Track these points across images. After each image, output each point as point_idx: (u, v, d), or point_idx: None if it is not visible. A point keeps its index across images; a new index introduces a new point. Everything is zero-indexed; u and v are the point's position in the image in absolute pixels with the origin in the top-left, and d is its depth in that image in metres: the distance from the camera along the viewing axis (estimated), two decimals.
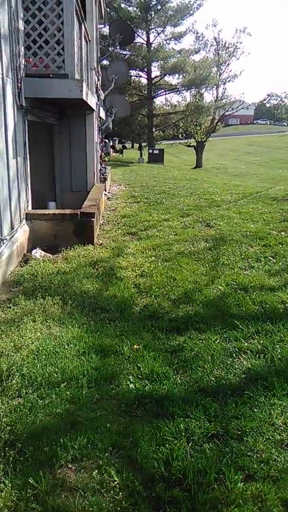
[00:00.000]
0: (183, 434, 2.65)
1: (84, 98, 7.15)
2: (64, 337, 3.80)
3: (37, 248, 6.29)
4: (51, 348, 3.60)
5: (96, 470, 2.38)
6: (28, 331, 3.87)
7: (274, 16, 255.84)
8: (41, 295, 4.64)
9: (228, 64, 36.06)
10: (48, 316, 4.21)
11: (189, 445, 2.58)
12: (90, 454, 2.50)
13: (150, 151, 33.69)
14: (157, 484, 2.30)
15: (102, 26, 22.35)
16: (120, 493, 2.25)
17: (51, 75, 7.04)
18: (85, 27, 8.36)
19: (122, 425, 2.73)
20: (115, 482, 2.30)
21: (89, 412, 2.85)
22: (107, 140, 24.24)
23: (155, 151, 33.04)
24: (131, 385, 3.14)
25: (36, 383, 3.15)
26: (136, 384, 3.16)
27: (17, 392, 3.03)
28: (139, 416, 2.84)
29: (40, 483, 2.26)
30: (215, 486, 2.29)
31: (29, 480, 2.28)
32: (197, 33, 35.66)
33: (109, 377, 3.24)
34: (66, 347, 3.64)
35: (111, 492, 2.25)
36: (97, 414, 2.83)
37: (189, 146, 37.12)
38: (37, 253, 6.10)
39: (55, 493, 2.24)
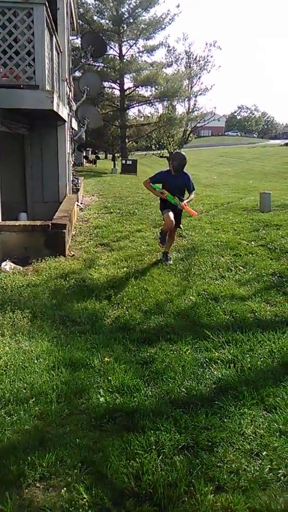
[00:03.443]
0: (154, 447, 2.64)
1: (55, 109, 7.14)
2: (33, 351, 3.73)
3: (7, 260, 6.18)
4: (20, 363, 3.53)
5: (65, 488, 2.33)
6: None
7: (243, 29, 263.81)
8: (10, 308, 4.55)
9: (199, 77, 36.85)
10: (17, 330, 4.13)
11: (160, 458, 2.57)
12: (58, 472, 2.44)
13: (123, 161, 33.78)
14: (127, 500, 2.27)
15: (75, 37, 22.47)
16: (90, 511, 2.20)
17: (22, 86, 7.01)
18: (56, 39, 8.38)
19: (91, 440, 2.69)
20: (84, 500, 2.26)
21: (58, 428, 2.80)
22: (80, 151, 24.11)
23: (128, 162, 33.14)
24: (101, 399, 3.11)
25: (3, 399, 3.07)
26: (107, 397, 3.13)
27: None
28: (109, 430, 2.81)
29: (6, 504, 2.19)
30: (185, 499, 2.28)
31: None
32: (169, 46, 36.33)
33: (79, 391, 3.19)
34: (36, 361, 3.58)
35: (80, 510, 2.21)
36: (66, 429, 2.78)
37: (162, 157, 37.53)
38: (7, 265, 5.99)
39: None
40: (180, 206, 6.05)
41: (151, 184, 6.16)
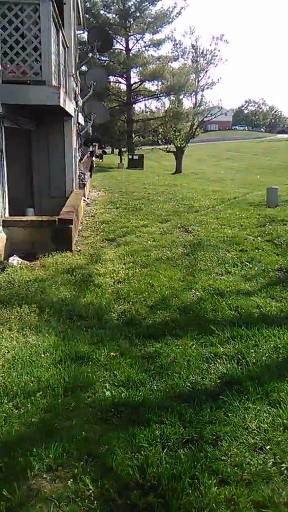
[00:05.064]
0: (159, 440, 2.68)
1: (61, 104, 7.15)
2: (40, 345, 3.78)
3: (15, 255, 6.24)
4: (27, 357, 3.59)
5: (71, 479, 2.37)
6: (4, 340, 3.84)
7: (251, 23, 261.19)
8: (18, 303, 4.61)
9: (206, 71, 36.53)
10: (24, 324, 4.19)
11: (164, 451, 2.60)
12: (65, 463, 2.49)
13: (130, 156, 33.79)
14: (132, 492, 2.31)
15: (81, 32, 22.36)
16: (95, 502, 2.25)
17: (28, 82, 7.03)
18: (62, 34, 8.37)
19: (98, 433, 2.74)
20: (90, 491, 2.31)
21: (65, 421, 2.85)
22: (87, 146, 24.08)
23: (134, 157, 33.17)
24: (107, 393, 3.15)
25: (11, 392, 3.13)
26: (112, 391, 3.17)
27: None
28: (115, 423, 2.85)
29: (14, 494, 2.25)
30: (189, 491, 2.31)
31: (3, 492, 2.26)
32: (176, 40, 36.04)
33: (85, 385, 3.24)
34: (43, 355, 3.63)
35: (86, 501, 2.26)
36: (73, 422, 2.83)
37: (168, 151, 37.39)
38: (14, 260, 6.06)
39: (30, 504, 2.23)
40: None
41: None
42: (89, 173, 15.34)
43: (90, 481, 2.36)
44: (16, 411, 2.93)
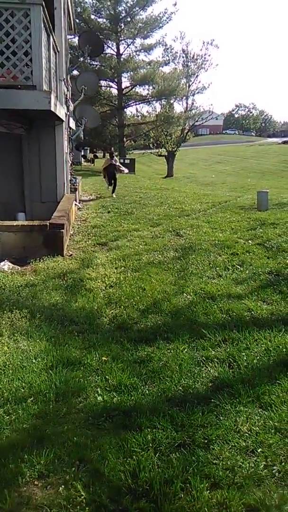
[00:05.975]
0: (151, 445, 2.68)
1: (52, 109, 7.15)
2: (31, 351, 3.76)
3: (5, 260, 6.20)
4: (19, 363, 3.57)
5: (63, 486, 2.36)
6: None
7: (242, 28, 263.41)
8: (9, 308, 4.58)
9: (197, 76, 36.84)
10: (15, 329, 4.17)
11: (156, 455, 2.60)
12: (56, 470, 2.48)
13: (121, 160, 33.79)
14: (124, 497, 2.30)
15: (72, 36, 22.44)
16: (87, 508, 2.24)
17: (19, 86, 7.02)
18: (53, 38, 8.38)
19: (89, 438, 2.73)
20: (82, 497, 2.30)
21: (57, 427, 2.84)
22: (78, 150, 23.92)
23: (126, 161, 33.18)
24: (99, 398, 3.14)
25: (2, 398, 3.11)
26: (104, 396, 3.17)
27: None
28: (107, 428, 2.84)
29: (5, 502, 2.23)
30: (182, 496, 2.32)
31: None
32: (166, 45, 36.28)
33: (77, 390, 3.23)
34: (34, 361, 3.61)
35: (78, 507, 2.24)
36: (65, 428, 2.82)
37: (160, 155, 37.54)
38: (5, 265, 6.02)
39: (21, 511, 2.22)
40: None
41: None
42: (80, 177, 15.26)
43: (81, 487, 2.35)
44: (7, 418, 2.91)
